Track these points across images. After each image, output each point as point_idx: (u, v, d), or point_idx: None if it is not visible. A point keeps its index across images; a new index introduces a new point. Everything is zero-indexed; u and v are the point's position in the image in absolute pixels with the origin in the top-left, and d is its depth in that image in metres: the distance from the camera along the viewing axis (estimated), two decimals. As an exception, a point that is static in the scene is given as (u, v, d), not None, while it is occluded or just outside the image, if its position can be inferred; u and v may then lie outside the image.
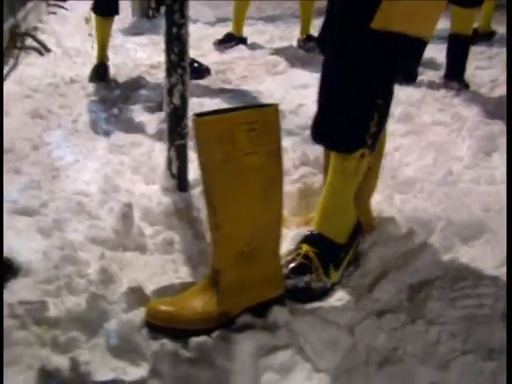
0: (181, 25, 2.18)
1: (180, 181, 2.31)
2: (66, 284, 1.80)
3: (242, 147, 1.55)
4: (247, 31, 5.25)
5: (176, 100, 2.22)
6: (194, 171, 2.42)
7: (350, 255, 1.95)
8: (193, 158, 2.48)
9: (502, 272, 1.88)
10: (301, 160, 2.55)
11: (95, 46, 4.19)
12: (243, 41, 5.10)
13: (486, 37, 5.12)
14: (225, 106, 3.53)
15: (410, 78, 4.10)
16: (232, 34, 5.08)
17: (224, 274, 1.64)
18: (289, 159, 2.51)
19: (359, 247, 2.01)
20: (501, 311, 1.71)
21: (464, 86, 3.89)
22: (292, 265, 1.84)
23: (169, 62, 2.19)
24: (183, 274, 1.93)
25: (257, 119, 1.56)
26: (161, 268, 1.96)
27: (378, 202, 2.32)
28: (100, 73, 4.03)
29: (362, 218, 2.01)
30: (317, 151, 2.54)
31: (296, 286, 1.80)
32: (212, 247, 1.68)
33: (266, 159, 1.59)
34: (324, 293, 1.83)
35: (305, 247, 1.88)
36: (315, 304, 1.80)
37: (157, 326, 1.62)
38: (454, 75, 3.95)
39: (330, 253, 1.88)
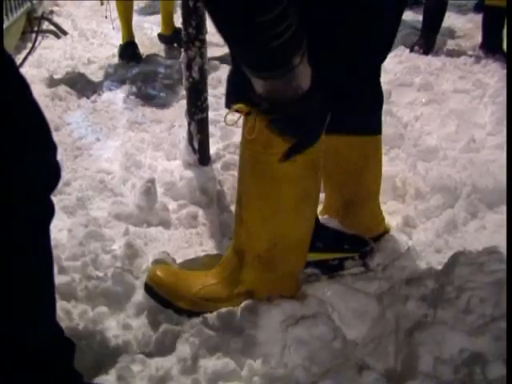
0: (197, -3, 2.16)
1: (201, 155, 2.30)
2: (91, 260, 1.80)
3: (277, 152, 1.42)
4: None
5: (195, 74, 2.21)
6: (214, 145, 2.42)
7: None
8: (213, 131, 2.48)
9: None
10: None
11: (120, 26, 4.17)
12: None
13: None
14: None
15: (428, 47, 4.06)
16: None
17: (242, 275, 1.61)
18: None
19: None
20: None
21: (505, 56, 3.83)
22: None
23: (186, 35, 2.17)
24: (208, 247, 1.93)
25: None
26: (186, 242, 1.96)
27: (403, 170, 2.30)
28: (129, 51, 4.03)
29: (366, 225, 1.89)
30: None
31: None
32: (233, 233, 1.64)
33: (303, 169, 1.46)
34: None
35: None
36: (342, 273, 1.79)
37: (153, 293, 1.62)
38: (491, 46, 3.91)
39: None
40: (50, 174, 1.07)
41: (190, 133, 2.30)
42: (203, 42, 2.19)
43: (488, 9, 3.96)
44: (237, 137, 2.56)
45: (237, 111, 1.43)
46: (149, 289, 1.63)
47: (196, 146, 2.29)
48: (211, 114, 2.42)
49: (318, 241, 1.81)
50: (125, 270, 1.74)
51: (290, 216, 1.52)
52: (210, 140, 2.37)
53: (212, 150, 2.37)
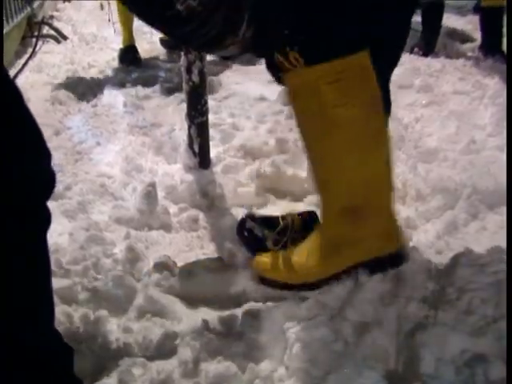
0: (197, 1, 2.15)
1: (202, 158, 2.30)
2: (92, 264, 1.80)
3: (329, 99, 1.44)
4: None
5: (195, 77, 2.21)
6: (215, 148, 2.42)
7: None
8: (213, 135, 2.48)
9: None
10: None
11: (121, 30, 4.18)
12: None
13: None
14: (244, 82, 3.53)
15: (428, 49, 4.06)
16: None
17: (326, 229, 1.62)
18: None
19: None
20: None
21: (505, 57, 3.81)
22: None
23: (186, 39, 2.17)
24: (209, 251, 1.94)
25: (343, 69, 1.43)
26: (186, 245, 1.97)
27: (403, 172, 2.30)
28: (130, 55, 4.04)
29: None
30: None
31: None
32: (318, 199, 1.65)
33: (362, 109, 1.47)
34: None
35: None
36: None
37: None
38: (490, 47, 3.90)
39: None
40: (45, 182, 1.07)
41: (190, 136, 2.30)
42: (203, 45, 2.19)
43: (485, 10, 3.94)
44: (237, 140, 2.56)
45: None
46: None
47: (196, 149, 2.29)
48: (211, 118, 2.42)
49: None
50: (126, 274, 1.74)
51: (362, 157, 1.51)
52: (211, 143, 2.37)
53: (212, 154, 2.37)
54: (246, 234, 1.91)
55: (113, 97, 3.41)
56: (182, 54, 2.21)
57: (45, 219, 1.10)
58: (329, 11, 1.40)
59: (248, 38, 1.32)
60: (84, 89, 3.55)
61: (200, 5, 1.22)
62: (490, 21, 3.92)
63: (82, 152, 2.67)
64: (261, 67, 3.79)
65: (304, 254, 1.69)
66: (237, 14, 1.28)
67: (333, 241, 1.63)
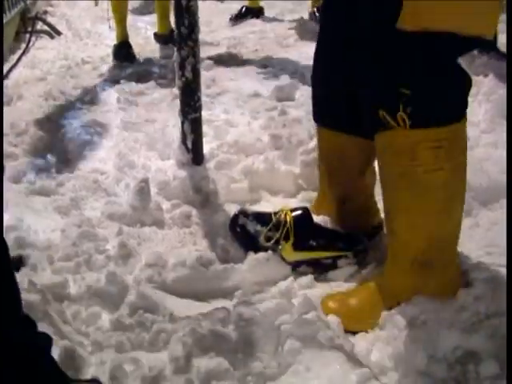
0: (190, -4, 2.15)
1: (195, 154, 2.29)
2: (85, 260, 1.80)
3: (423, 163, 1.47)
4: (257, 6, 5.21)
5: (188, 73, 2.20)
6: (208, 144, 2.41)
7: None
8: (207, 130, 2.47)
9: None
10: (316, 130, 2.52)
11: (115, 26, 4.17)
12: (260, 11, 5.06)
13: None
14: (237, 79, 3.52)
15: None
16: (248, 6, 5.03)
17: (398, 278, 1.61)
18: (303, 129, 2.49)
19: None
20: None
21: (499, 54, 3.79)
22: None
23: (179, 34, 2.16)
24: (202, 247, 1.93)
25: (446, 136, 1.48)
26: (179, 241, 1.96)
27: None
28: (124, 51, 4.03)
29: (360, 218, 1.89)
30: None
31: None
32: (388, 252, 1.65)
33: (450, 175, 1.51)
34: None
35: None
36: (330, 274, 1.81)
37: None
38: (486, 44, 3.86)
39: None
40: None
41: (183, 132, 2.29)
42: (196, 41, 2.19)
43: None
44: (230, 136, 2.56)
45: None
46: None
47: (189, 145, 2.28)
48: (204, 114, 2.41)
49: (312, 239, 1.82)
50: (118, 270, 1.74)
51: (440, 218, 1.54)
52: (204, 139, 2.36)
53: (205, 150, 2.36)
54: (238, 230, 1.91)
55: (106, 93, 3.39)
56: (175, 49, 2.20)
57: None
58: (445, 78, 1.46)
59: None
60: (77, 85, 3.53)
61: None
62: None
63: (75, 148, 2.65)
64: (255, 64, 3.81)
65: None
66: None
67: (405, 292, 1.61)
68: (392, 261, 1.63)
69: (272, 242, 1.82)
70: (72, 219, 2.03)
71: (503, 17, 2.07)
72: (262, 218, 1.89)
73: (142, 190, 2.07)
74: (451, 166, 1.50)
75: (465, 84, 1.51)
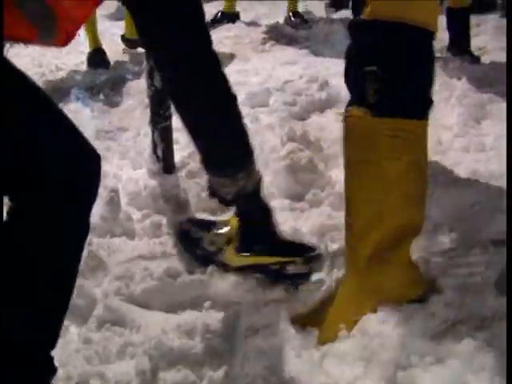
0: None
1: (166, 163, 2.29)
2: (53, 272, 1.78)
3: (381, 150, 1.50)
4: (233, 10, 5.19)
5: (157, 82, 2.19)
6: (179, 153, 2.40)
7: None
8: (177, 139, 2.46)
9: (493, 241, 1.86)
10: (288, 136, 2.50)
11: (85, 33, 4.14)
12: (236, 16, 5.05)
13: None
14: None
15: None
16: (224, 12, 5.02)
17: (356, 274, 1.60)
18: (276, 136, 2.49)
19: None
20: (492, 279, 1.68)
21: (473, 57, 3.80)
22: None
23: (148, 43, 2.15)
24: (171, 257, 1.92)
25: (402, 127, 1.50)
26: (149, 252, 1.95)
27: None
28: (98, 58, 4.01)
29: None
30: (304, 127, 2.53)
31: None
32: (345, 245, 1.64)
33: (409, 167, 1.52)
34: None
35: None
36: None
37: None
38: (459, 48, 3.88)
39: None
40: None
41: (153, 141, 2.29)
42: (165, 49, 2.17)
43: (452, 11, 3.92)
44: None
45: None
46: None
47: (160, 154, 2.28)
48: (176, 122, 2.40)
49: (256, 244, 1.82)
50: (86, 283, 1.73)
51: (397, 210, 1.54)
52: (175, 147, 2.35)
53: (177, 158, 2.36)
54: (182, 236, 1.94)
55: (80, 100, 3.38)
56: (144, 59, 2.20)
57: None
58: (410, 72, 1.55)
59: None
60: (51, 92, 3.49)
61: None
62: (458, 21, 3.91)
63: (47, 157, 2.63)
64: (230, 70, 3.80)
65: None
66: None
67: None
68: (350, 263, 1.61)
69: (215, 245, 1.84)
70: (42, 230, 2.01)
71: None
72: (206, 224, 1.94)
73: (112, 201, 2.06)
74: (409, 159, 1.51)
75: (431, 84, 1.58)
